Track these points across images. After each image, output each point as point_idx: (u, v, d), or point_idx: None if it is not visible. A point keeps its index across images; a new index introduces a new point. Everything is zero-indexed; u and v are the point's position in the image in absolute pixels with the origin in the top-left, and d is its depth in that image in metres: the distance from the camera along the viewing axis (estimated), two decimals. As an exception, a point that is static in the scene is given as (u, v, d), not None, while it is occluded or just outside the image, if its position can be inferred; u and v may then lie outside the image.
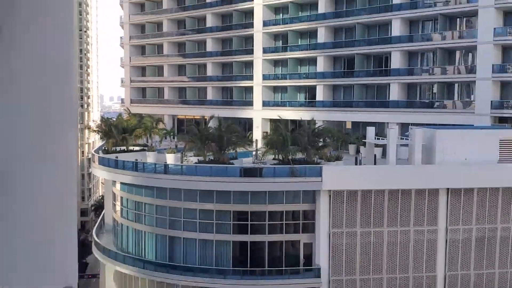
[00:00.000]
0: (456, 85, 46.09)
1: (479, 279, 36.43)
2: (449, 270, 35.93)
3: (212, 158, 39.12)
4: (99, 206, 77.75)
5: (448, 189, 35.81)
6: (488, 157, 36.41)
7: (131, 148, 46.90)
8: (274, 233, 35.70)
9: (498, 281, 36.47)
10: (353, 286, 35.15)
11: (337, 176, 35.58)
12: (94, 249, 43.77)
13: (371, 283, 35.18)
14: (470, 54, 45.17)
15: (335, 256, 35.08)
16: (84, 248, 67.32)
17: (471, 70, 44.24)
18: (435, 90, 47.38)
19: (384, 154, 39.94)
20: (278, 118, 46.77)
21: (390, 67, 48.85)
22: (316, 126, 42.62)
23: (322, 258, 34.99)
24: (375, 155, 40.11)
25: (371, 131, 42.05)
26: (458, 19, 46.05)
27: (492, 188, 36.14)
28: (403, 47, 47.77)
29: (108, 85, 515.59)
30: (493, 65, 42.59)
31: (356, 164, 39.55)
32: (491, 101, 42.59)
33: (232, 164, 38.53)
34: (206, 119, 45.80)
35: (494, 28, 42.47)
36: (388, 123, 43.29)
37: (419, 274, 35.65)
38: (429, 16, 46.79)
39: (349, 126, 51.62)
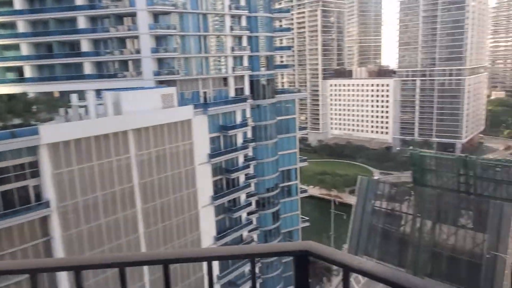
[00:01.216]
0: (130, 61, 44.60)
1: (162, 181, 37.94)
2: (141, 180, 36.04)
3: None
4: None
5: (133, 129, 35.56)
6: (156, 106, 37.41)
7: None
8: (7, 183, 29.29)
9: (171, 181, 38.77)
10: (77, 206, 32.12)
11: (52, 132, 30.92)
12: None
13: (90, 200, 32.73)
14: (136, 41, 44.11)
15: (59, 189, 31.15)
16: None
17: (138, 51, 43.42)
18: (117, 65, 44.98)
19: (87, 112, 36.70)
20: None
21: (81, 50, 44.10)
22: (29, 97, 35.96)
23: (49, 193, 30.67)
24: (80, 114, 36.47)
25: (74, 97, 37.34)
26: (125, 17, 44.12)
27: (161, 124, 37.43)
28: (88, 36, 43.44)
29: None
30: (151, 48, 42.96)
31: (66, 122, 35.40)
32: (153, 70, 43.22)
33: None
34: None
35: (149, 24, 42.54)
36: (86, 90, 39.43)
37: (122, 187, 34.73)
38: (105, 15, 43.27)
39: (57, 94, 45.05)
